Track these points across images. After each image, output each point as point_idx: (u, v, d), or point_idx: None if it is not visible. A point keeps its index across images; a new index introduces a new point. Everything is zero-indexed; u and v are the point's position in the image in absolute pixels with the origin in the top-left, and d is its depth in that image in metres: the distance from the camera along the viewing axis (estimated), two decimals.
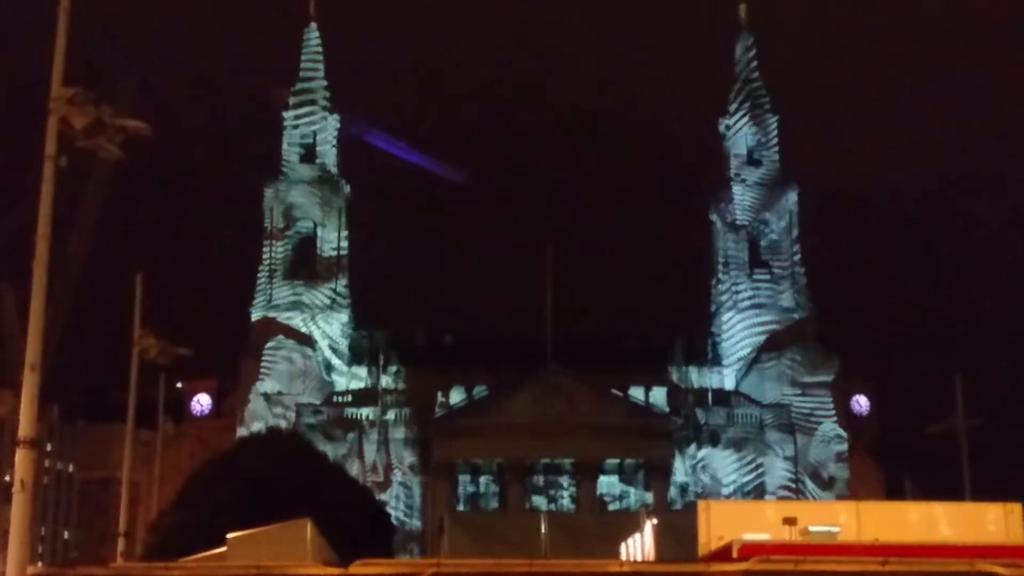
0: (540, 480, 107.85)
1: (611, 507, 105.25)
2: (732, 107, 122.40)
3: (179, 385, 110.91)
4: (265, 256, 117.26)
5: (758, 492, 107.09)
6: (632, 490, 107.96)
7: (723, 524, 27.15)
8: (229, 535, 27.85)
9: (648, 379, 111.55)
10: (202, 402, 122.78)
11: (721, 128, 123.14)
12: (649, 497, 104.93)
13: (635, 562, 30.70)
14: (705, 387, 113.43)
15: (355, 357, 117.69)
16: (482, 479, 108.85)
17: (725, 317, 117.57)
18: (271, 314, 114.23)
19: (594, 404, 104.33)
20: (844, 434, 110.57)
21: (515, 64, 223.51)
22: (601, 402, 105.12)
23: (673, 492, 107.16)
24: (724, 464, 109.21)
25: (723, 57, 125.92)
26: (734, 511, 31.84)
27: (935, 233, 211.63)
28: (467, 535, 38.53)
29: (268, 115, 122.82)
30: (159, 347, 50.95)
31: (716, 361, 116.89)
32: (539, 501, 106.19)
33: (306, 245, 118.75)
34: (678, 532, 31.53)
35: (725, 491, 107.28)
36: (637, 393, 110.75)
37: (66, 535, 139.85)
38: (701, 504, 29.18)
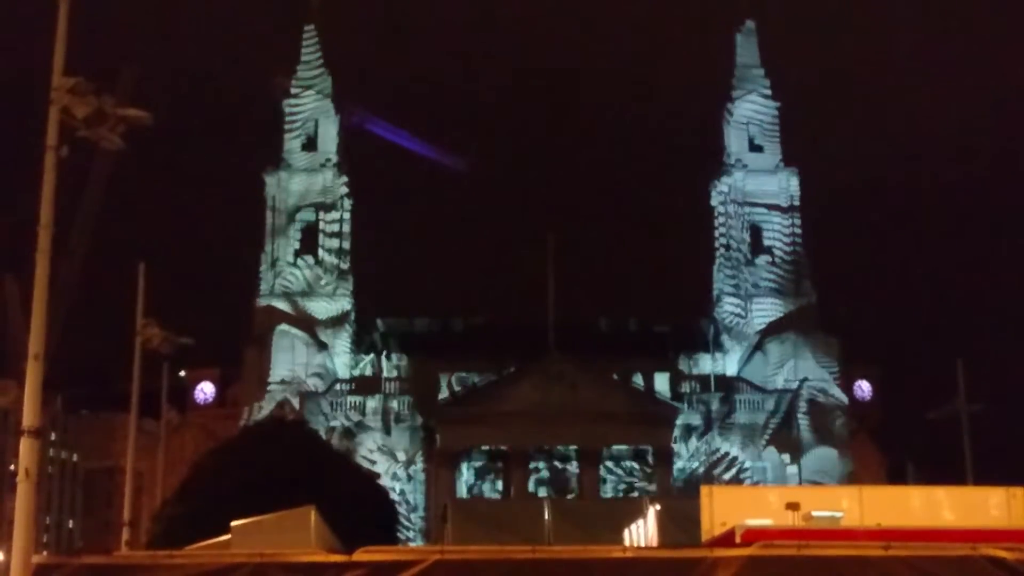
0: (543, 467, 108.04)
1: (614, 493, 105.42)
2: (733, 93, 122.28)
3: (182, 374, 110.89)
4: (267, 244, 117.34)
5: (761, 477, 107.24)
6: (635, 476, 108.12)
7: (726, 510, 27.16)
8: (233, 523, 27.91)
9: (650, 365, 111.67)
10: (205, 391, 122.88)
11: (722, 114, 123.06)
12: (652, 483, 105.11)
13: (638, 548, 30.74)
14: (707, 373, 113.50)
15: (358, 345, 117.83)
16: (485, 466, 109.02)
17: (727, 303, 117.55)
18: (274, 302, 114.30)
19: (597, 391, 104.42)
20: (846, 419, 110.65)
21: (516, 51, 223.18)
22: (604, 389, 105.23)
23: (676, 478, 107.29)
24: (726, 450, 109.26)
25: (724, 43, 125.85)
26: (737, 497, 31.81)
27: (937, 217, 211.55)
28: (470, 522, 38.52)
29: (270, 104, 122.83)
30: (162, 336, 51.04)
31: (718, 347, 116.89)
32: (542, 488, 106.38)
33: (308, 233, 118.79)
34: (681, 518, 31.51)
35: (728, 477, 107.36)
36: (639, 380, 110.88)
37: (71, 524, 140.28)
38: (704, 490, 29.16)
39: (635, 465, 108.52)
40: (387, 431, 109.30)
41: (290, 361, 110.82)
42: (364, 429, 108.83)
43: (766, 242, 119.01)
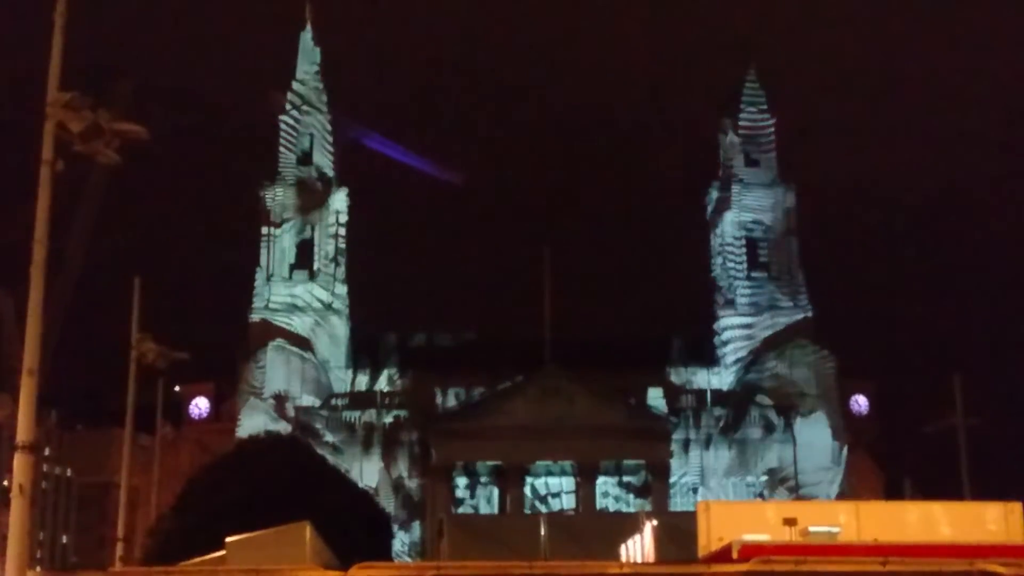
0: (539, 482, 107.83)
1: (610, 508, 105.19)
2: (730, 108, 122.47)
3: (177, 389, 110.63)
4: (262, 259, 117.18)
5: (757, 493, 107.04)
6: (631, 491, 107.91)
7: (723, 525, 27.11)
8: (228, 539, 27.83)
9: (647, 380, 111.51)
10: (200, 406, 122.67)
11: (719, 129, 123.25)
12: (648, 498, 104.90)
13: (635, 564, 30.67)
14: (704, 388, 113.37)
15: (353, 359, 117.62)
16: (481, 481, 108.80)
17: (723, 317, 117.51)
18: (269, 317, 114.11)
19: (593, 405, 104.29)
20: (843, 434, 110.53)
21: (513, 66, 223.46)
22: (600, 403, 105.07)
23: (672, 493, 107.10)
24: (723, 465, 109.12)
25: (721, 58, 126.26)
26: (734, 512, 31.73)
27: (934, 232, 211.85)
28: (467, 537, 38.41)
29: (265, 118, 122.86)
30: (157, 351, 50.82)
31: (715, 361, 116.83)
32: (538, 503, 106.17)
33: (304, 248, 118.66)
34: (678, 533, 31.45)
35: (724, 492, 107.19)
36: (636, 394, 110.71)
37: (65, 540, 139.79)
38: (701, 505, 29.14)
39: (632, 480, 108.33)
40: (383, 446, 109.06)
41: (285, 376, 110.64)
42: (360, 444, 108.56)
43: (762, 257, 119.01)
